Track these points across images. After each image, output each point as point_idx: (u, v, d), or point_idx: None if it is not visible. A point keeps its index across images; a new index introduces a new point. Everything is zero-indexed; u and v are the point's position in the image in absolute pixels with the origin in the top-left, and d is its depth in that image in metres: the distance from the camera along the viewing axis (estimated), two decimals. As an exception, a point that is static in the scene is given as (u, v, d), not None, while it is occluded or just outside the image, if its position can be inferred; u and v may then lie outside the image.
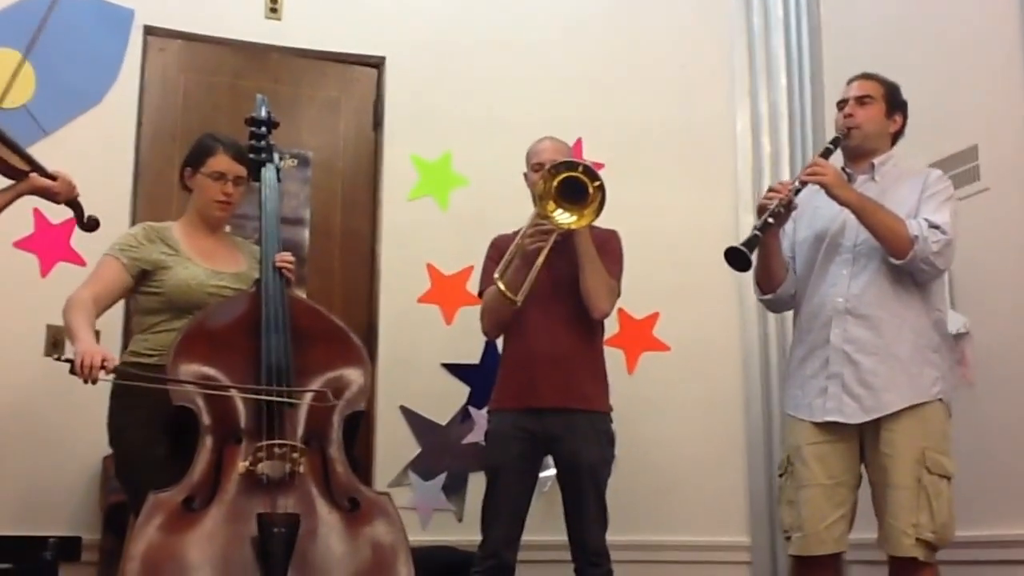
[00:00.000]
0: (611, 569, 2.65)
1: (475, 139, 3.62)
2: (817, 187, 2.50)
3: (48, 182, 2.39)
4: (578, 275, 2.69)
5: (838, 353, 2.48)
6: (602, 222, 2.65)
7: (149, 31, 3.41)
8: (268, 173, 2.63)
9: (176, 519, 2.07)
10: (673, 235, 3.66)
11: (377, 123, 3.65)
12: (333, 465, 2.26)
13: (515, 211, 2.83)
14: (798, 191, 2.49)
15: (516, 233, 2.72)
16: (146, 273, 2.48)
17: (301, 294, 2.97)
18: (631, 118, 3.76)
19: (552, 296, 2.70)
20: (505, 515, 2.65)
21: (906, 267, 2.44)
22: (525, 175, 2.86)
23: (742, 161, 3.85)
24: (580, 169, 2.58)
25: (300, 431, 2.27)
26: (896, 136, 2.64)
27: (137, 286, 2.50)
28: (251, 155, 2.61)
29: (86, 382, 2.16)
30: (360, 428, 2.47)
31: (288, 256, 2.52)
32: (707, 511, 3.55)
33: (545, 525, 2.96)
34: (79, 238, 2.96)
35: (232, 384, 2.27)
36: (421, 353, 3.49)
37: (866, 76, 2.65)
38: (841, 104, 2.64)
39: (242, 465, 2.15)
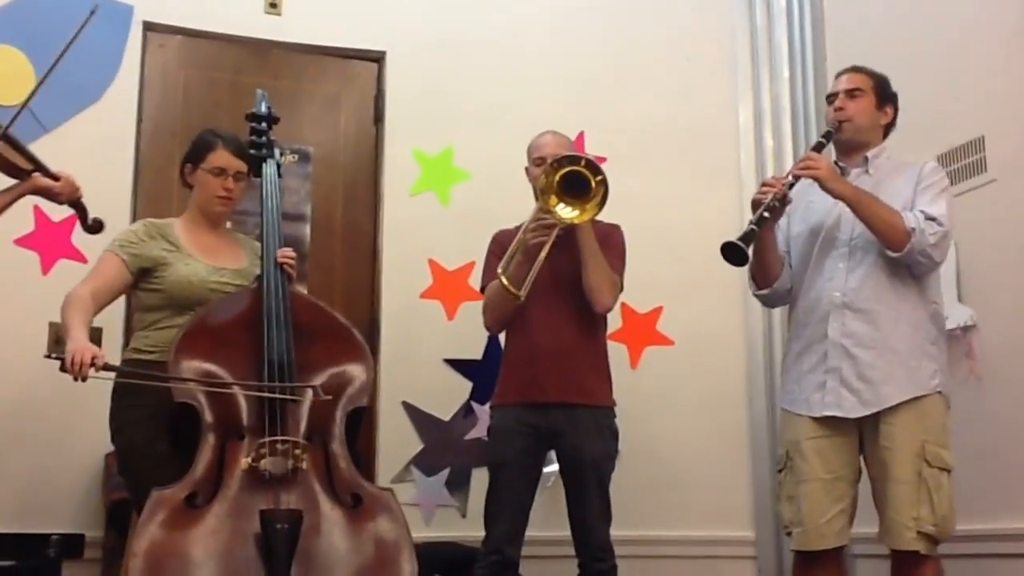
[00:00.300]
0: (615, 564, 2.64)
1: (477, 133, 3.61)
2: (810, 182, 2.50)
3: (51, 182, 2.38)
4: (580, 270, 2.68)
5: (836, 347, 2.48)
6: (605, 216, 2.63)
7: (149, 27, 3.40)
8: (269, 169, 2.63)
9: (179, 516, 2.07)
10: (676, 229, 3.65)
11: (378, 118, 3.64)
12: (336, 461, 2.26)
13: (517, 206, 2.82)
14: (792, 185, 2.49)
15: (518, 228, 2.71)
16: (146, 270, 2.48)
17: (302, 290, 2.96)
18: (633, 112, 3.75)
19: (555, 291, 2.69)
20: (508, 510, 2.65)
21: (903, 260, 2.43)
22: (527, 169, 2.85)
23: (745, 155, 3.84)
24: (582, 163, 2.57)
25: (302, 427, 2.27)
26: (888, 128, 2.64)
27: (138, 283, 2.49)
28: (252, 151, 2.61)
29: (76, 379, 2.15)
30: (362, 424, 2.46)
31: (289, 252, 2.51)
32: (711, 505, 3.55)
33: (549, 520, 2.96)
34: (80, 235, 2.95)
35: (232, 381, 2.26)
36: (423, 349, 3.48)
37: (855, 69, 2.65)
38: (831, 98, 2.64)
39: (244, 461, 2.15)
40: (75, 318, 2.29)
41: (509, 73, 3.69)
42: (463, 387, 3.48)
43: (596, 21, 3.83)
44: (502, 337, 2.89)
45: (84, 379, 2.16)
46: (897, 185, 2.52)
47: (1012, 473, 2.86)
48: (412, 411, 3.45)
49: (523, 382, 2.69)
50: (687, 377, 3.62)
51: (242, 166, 2.56)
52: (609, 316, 2.81)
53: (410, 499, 3.29)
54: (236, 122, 2.73)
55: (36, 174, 2.36)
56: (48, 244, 3.14)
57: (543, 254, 2.60)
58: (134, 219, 3.11)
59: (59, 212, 2.95)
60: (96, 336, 2.98)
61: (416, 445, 3.43)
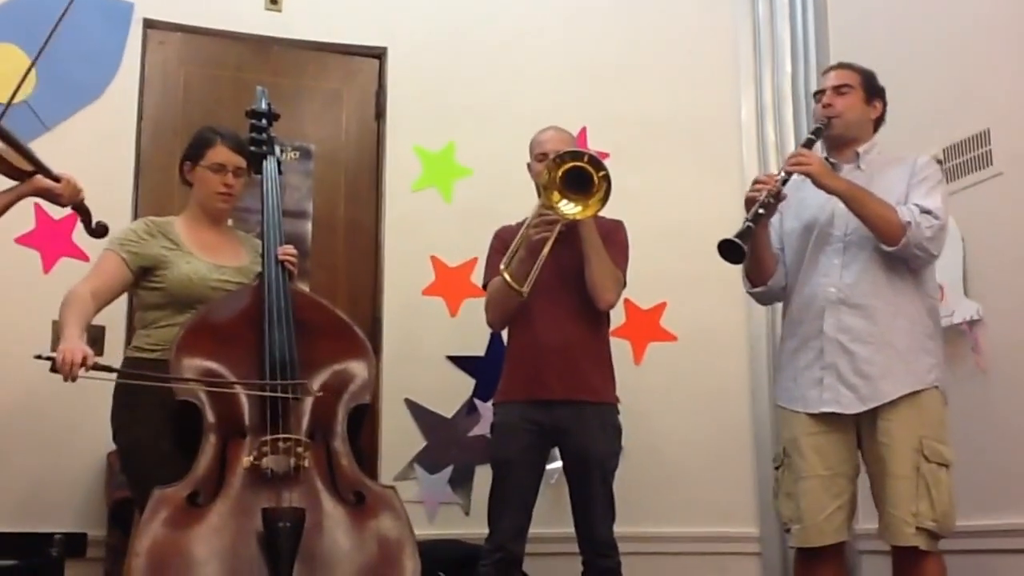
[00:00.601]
0: (619, 561, 2.63)
1: (478, 129, 3.60)
2: (802, 178, 2.49)
3: (52, 184, 2.37)
4: (583, 266, 2.67)
5: (832, 343, 2.47)
6: (607, 212, 2.63)
7: (149, 24, 3.39)
8: (270, 166, 2.62)
9: (181, 514, 2.07)
10: (679, 224, 3.64)
11: (379, 114, 3.62)
12: (338, 459, 2.26)
13: (519, 202, 2.81)
14: (785, 181, 2.48)
15: (520, 224, 2.70)
16: (147, 269, 2.47)
17: (304, 287, 2.96)
18: (635, 107, 3.73)
19: (557, 287, 2.68)
20: (512, 508, 2.64)
21: (899, 254, 2.43)
22: (529, 165, 2.84)
23: (747, 150, 3.82)
24: (585, 159, 2.57)
25: (305, 425, 2.26)
26: (877, 123, 2.64)
27: (138, 282, 2.49)
28: (252, 148, 2.60)
29: (66, 379, 2.14)
30: (365, 421, 2.46)
31: (290, 249, 2.50)
32: (715, 502, 3.53)
33: (552, 517, 2.95)
34: (81, 233, 2.94)
35: (228, 380, 2.25)
36: (426, 346, 3.47)
37: (842, 65, 2.66)
38: (818, 95, 2.64)
39: (247, 460, 2.15)
40: (70, 318, 2.28)
41: (511, 69, 3.68)
42: (466, 384, 3.47)
43: (598, 16, 3.81)
44: (505, 334, 2.88)
45: (74, 379, 2.14)
46: (890, 180, 2.52)
47: (1018, 468, 2.85)
48: (415, 408, 3.44)
49: (527, 379, 2.68)
50: (691, 373, 3.61)
51: (241, 161, 2.55)
52: (612, 312, 2.80)
53: (413, 496, 3.28)
54: (237, 119, 2.72)
55: (37, 176, 2.35)
56: (49, 242, 3.14)
57: (546, 250, 2.59)
58: (135, 217, 3.10)
59: (60, 210, 2.93)
60: (99, 334, 3.01)
61: (419, 442, 3.43)
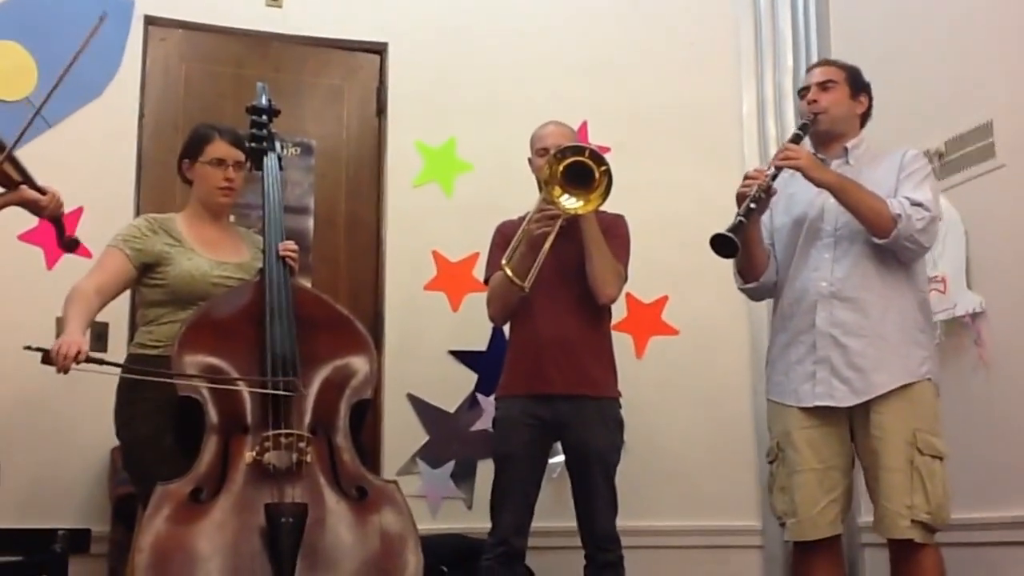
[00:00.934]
0: (621, 555, 2.64)
1: (479, 124, 3.60)
2: (791, 174, 2.50)
3: (37, 195, 2.40)
4: (585, 260, 2.67)
5: (825, 337, 2.47)
6: (608, 206, 2.63)
7: (150, 21, 3.39)
8: (270, 162, 2.62)
9: (184, 510, 2.07)
10: (680, 218, 3.63)
11: (380, 110, 3.62)
12: (340, 454, 2.26)
13: (520, 197, 2.81)
14: (774, 176, 2.48)
15: (522, 219, 2.70)
16: (149, 265, 2.48)
17: (306, 283, 2.96)
18: (636, 101, 3.73)
19: (559, 282, 2.68)
20: (515, 502, 2.64)
21: (890, 246, 2.43)
22: (530, 160, 2.84)
23: (748, 143, 3.82)
24: (586, 153, 2.57)
25: (306, 420, 2.26)
26: (864, 118, 2.64)
27: (141, 278, 2.49)
28: (252, 144, 2.60)
29: (59, 371, 2.16)
30: (367, 416, 2.46)
31: (291, 245, 2.51)
32: (717, 495, 3.53)
33: (555, 511, 2.95)
34: (84, 229, 2.95)
35: (225, 377, 2.25)
36: (428, 340, 3.47)
37: (826, 62, 2.68)
38: (803, 92, 2.64)
39: (249, 455, 2.15)
40: (74, 313, 2.30)
41: (511, 64, 3.67)
42: (468, 379, 3.48)
43: (598, 11, 3.80)
44: (506, 328, 2.89)
45: (66, 371, 2.16)
46: (879, 174, 2.52)
47: (1019, 460, 2.85)
48: (417, 403, 3.45)
49: (528, 373, 2.69)
50: (692, 366, 3.61)
51: (240, 156, 2.56)
52: (614, 306, 2.80)
53: (415, 491, 3.29)
54: (238, 115, 2.73)
55: (23, 186, 2.38)
56: (52, 239, 3.12)
57: (547, 245, 2.59)
58: (137, 213, 3.11)
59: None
60: (103, 331, 3.02)
61: (421, 437, 3.43)
